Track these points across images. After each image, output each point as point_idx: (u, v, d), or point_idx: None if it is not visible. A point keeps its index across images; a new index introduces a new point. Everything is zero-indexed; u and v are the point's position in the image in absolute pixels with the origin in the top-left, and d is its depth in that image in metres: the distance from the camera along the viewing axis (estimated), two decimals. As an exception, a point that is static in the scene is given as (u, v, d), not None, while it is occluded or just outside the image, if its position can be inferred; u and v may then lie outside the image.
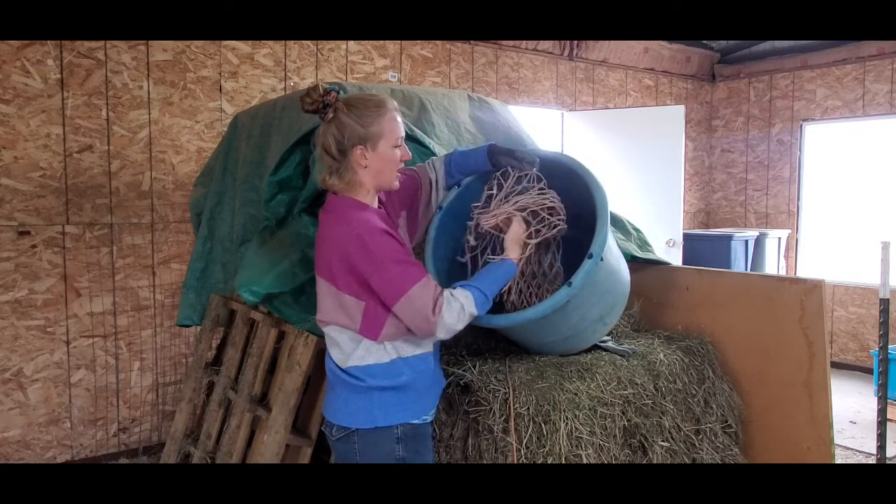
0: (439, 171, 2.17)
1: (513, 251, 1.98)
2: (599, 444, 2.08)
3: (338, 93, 1.84)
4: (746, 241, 5.95)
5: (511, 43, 5.47)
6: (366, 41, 4.68)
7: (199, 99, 4.06)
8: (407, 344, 1.85)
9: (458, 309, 1.79)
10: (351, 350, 1.84)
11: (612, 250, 2.23)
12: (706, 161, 7.11)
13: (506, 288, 2.08)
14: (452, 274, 2.18)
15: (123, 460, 3.90)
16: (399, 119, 1.88)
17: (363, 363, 1.83)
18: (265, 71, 4.30)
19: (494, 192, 2.13)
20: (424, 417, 1.90)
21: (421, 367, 1.88)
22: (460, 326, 1.81)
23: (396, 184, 1.92)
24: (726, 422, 2.49)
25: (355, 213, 1.81)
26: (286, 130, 2.64)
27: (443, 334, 1.80)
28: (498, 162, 2.12)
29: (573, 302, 2.04)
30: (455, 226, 2.22)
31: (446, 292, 1.80)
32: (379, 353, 1.83)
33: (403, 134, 1.89)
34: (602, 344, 2.43)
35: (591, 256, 1.99)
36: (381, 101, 1.84)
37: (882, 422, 3.27)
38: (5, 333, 3.56)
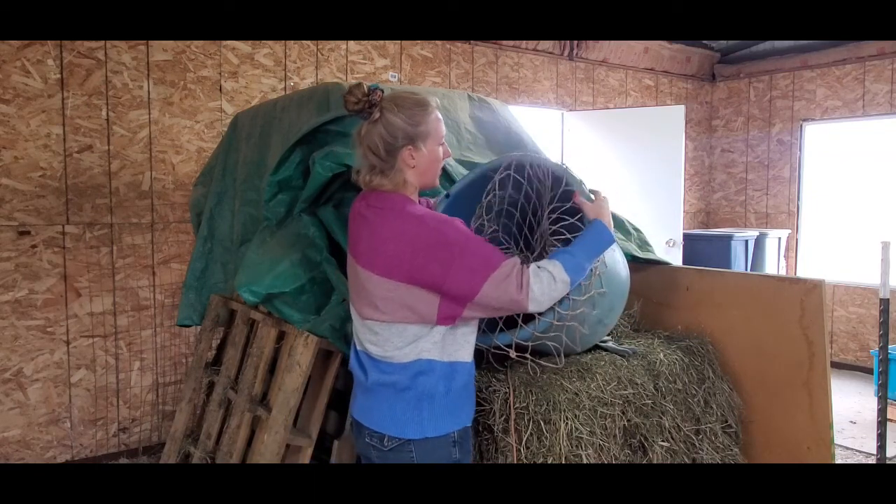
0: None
1: (603, 215, 1.91)
2: (599, 444, 2.08)
3: (382, 91, 1.79)
4: (746, 241, 5.95)
5: (511, 43, 5.47)
6: (366, 41, 4.68)
7: (199, 99, 4.06)
8: (457, 348, 1.80)
9: (548, 279, 1.73)
10: (409, 341, 1.76)
11: (615, 258, 2.20)
12: (706, 161, 7.11)
13: None
14: None
15: (123, 460, 3.90)
16: (441, 116, 1.85)
17: (425, 357, 1.76)
18: (265, 71, 4.30)
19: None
20: (466, 424, 1.87)
21: (467, 372, 1.85)
22: (555, 295, 1.76)
23: (437, 182, 1.90)
24: (726, 422, 2.49)
25: (416, 208, 1.77)
26: (286, 130, 2.64)
27: (534, 306, 1.74)
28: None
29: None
30: (466, 210, 2.24)
31: (532, 265, 1.75)
32: (437, 351, 1.77)
33: (445, 131, 1.87)
34: (602, 344, 2.43)
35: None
36: (425, 100, 1.80)
37: (882, 422, 3.27)
38: (5, 333, 3.56)
